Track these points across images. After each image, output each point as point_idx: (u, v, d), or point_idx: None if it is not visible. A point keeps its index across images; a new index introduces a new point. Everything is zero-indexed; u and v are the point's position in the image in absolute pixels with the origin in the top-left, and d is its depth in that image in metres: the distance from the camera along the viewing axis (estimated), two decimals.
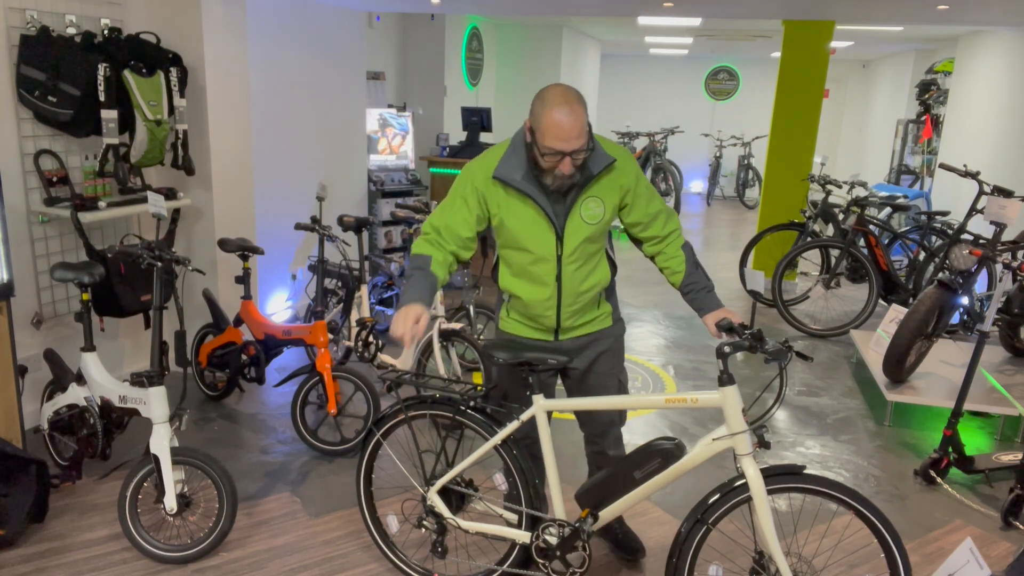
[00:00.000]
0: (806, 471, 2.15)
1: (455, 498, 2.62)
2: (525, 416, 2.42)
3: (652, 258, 2.56)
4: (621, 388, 2.69)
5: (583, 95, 2.24)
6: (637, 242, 2.58)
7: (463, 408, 2.50)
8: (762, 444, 2.10)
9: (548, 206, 2.35)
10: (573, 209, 2.37)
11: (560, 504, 2.45)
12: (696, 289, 2.46)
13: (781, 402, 2.11)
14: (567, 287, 2.45)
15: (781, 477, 2.15)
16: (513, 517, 2.56)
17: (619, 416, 2.77)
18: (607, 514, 2.38)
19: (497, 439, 2.43)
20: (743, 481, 2.15)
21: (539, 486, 2.49)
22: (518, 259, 2.46)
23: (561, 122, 2.15)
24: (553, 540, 2.42)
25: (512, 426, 2.42)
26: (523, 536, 2.49)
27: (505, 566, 2.57)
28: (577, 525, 2.38)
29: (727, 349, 2.09)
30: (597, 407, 2.35)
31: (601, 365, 2.62)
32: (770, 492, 2.15)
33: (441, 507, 2.58)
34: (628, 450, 2.91)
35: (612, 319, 2.62)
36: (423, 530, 2.62)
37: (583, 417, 2.75)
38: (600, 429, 2.73)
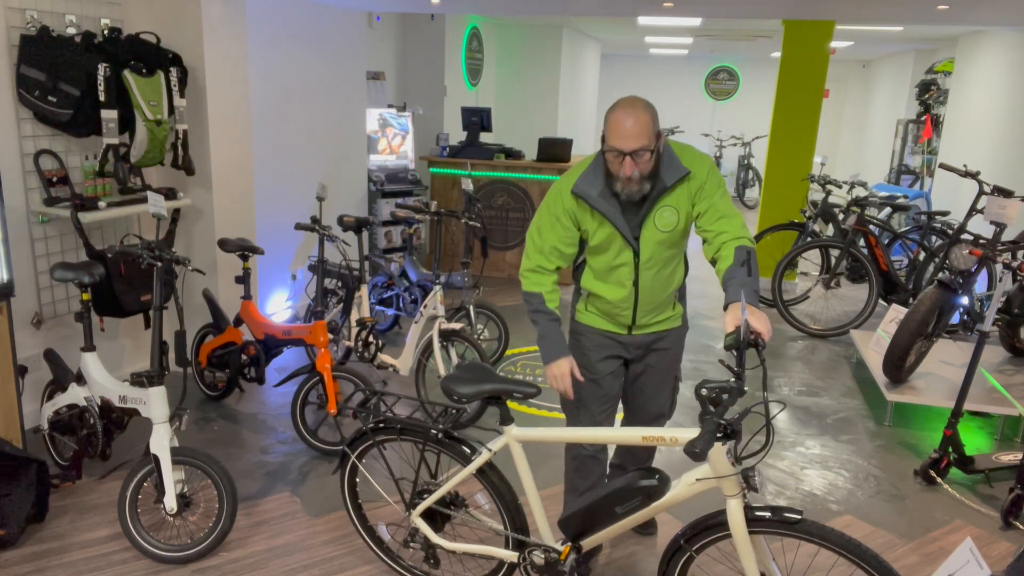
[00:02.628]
0: (802, 518, 1.98)
1: (440, 516, 2.58)
2: (496, 446, 2.38)
3: (713, 264, 2.45)
4: (675, 386, 2.80)
5: (652, 106, 2.31)
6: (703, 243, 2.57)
7: (434, 436, 2.46)
8: (750, 487, 2.01)
9: (623, 223, 2.41)
10: (647, 219, 2.42)
11: (545, 527, 2.42)
12: (729, 285, 2.25)
13: (769, 450, 2.01)
14: (643, 289, 2.53)
15: (769, 522, 2.01)
16: (501, 528, 2.53)
17: (668, 408, 2.84)
18: (589, 543, 2.36)
19: (472, 468, 2.40)
20: (725, 519, 2.07)
21: (521, 509, 2.45)
22: (600, 264, 2.54)
23: (622, 121, 2.24)
24: (540, 562, 2.40)
25: (484, 457, 2.39)
26: (510, 556, 2.47)
27: None
28: (559, 567, 2.36)
29: (704, 392, 1.95)
30: (571, 439, 2.29)
31: (663, 363, 2.71)
32: (754, 534, 2.06)
33: (425, 529, 2.56)
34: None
35: (681, 320, 2.70)
36: (410, 550, 2.60)
37: (632, 411, 2.83)
38: (648, 420, 2.83)
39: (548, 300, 2.50)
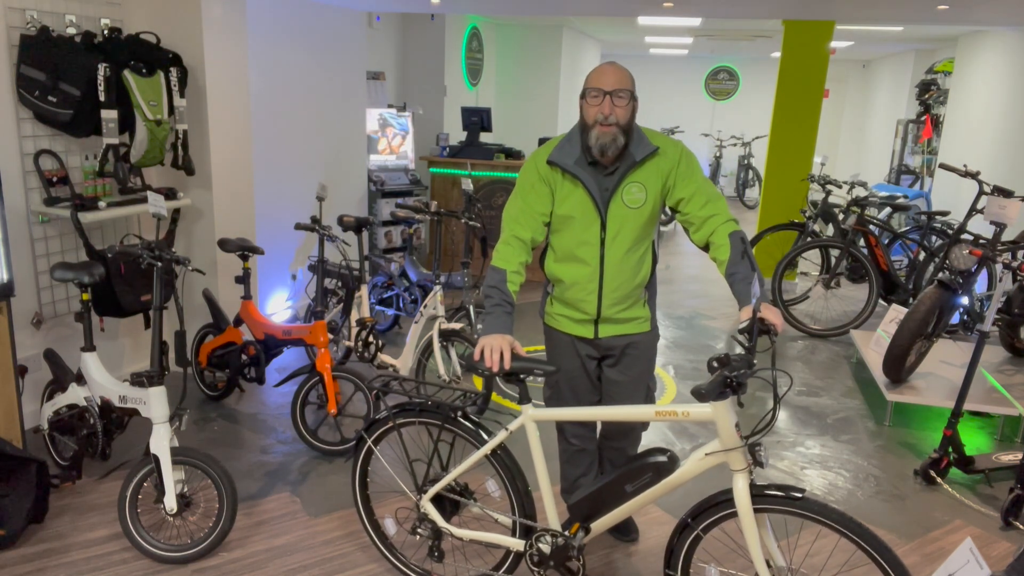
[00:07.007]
0: (804, 496, 2.03)
1: (449, 504, 2.60)
2: (514, 426, 2.41)
3: (705, 250, 2.50)
4: (648, 396, 2.76)
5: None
6: (687, 231, 2.57)
7: (452, 417, 2.48)
8: (756, 463, 2.06)
9: (596, 191, 2.47)
10: (616, 193, 2.47)
11: (553, 513, 2.42)
12: (736, 280, 2.32)
13: (774, 422, 2.07)
14: (609, 269, 2.53)
15: (772, 499, 2.06)
16: (508, 521, 2.54)
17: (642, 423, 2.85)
18: (599, 526, 2.37)
19: (487, 449, 2.41)
20: (731, 496, 2.11)
21: (530, 494, 2.46)
22: (565, 242, 2.55)
23: (604, 68, 2.40)
24: (546, 549, 2.40)
25: (501, 436, 2.41)
26: (517, 544, 2.48)
27: (501, 572, 2.57)
28: (567, 541, 2.37)
29: (715, 364, 2.04)
30: (586, 418, 2.31)
31: (633, 370, 2.69)
32: (758, 511, 2.09)
33: (434, 515, 2.57)
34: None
35: (650, 325, 2.69)
36: (418, 537, 2.62)
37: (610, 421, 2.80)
38: (626, 428, 2.81)
39: (509, 280, 2.42)
